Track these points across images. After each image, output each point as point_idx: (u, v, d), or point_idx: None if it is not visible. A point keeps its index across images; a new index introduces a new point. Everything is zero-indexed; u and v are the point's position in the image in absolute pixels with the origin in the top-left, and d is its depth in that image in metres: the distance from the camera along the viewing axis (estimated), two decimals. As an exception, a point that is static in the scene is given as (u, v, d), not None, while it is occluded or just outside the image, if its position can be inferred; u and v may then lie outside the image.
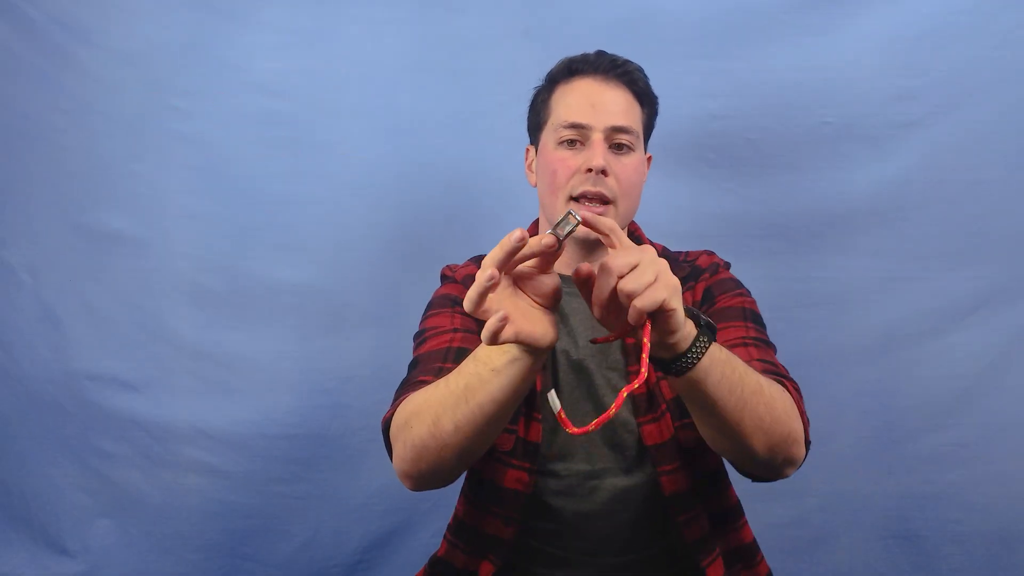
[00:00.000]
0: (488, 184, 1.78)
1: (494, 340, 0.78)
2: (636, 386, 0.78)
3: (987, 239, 1.73)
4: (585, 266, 0.82)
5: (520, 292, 0.83)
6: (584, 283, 0.82)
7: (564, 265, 1.17)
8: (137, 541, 1.78)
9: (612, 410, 0.78)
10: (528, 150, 1.29)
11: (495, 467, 1.13)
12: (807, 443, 1.00)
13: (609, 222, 0.82)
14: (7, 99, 1.80)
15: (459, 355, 1.05)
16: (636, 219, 1.26)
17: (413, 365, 1.12)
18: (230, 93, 1.81)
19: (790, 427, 0.95)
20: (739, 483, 1.18)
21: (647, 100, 1.22)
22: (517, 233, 0.76)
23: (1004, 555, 1.72)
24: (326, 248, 1.81)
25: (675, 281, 0.79)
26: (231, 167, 1.81)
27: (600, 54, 1.20)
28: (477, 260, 1.24)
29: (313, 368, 1.80)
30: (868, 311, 1.76)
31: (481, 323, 0.79)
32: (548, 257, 0.82)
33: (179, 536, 1.78)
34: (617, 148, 1.17)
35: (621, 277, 0.77)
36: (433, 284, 1.27)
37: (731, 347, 1.03)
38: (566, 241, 0.80)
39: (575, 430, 0.78)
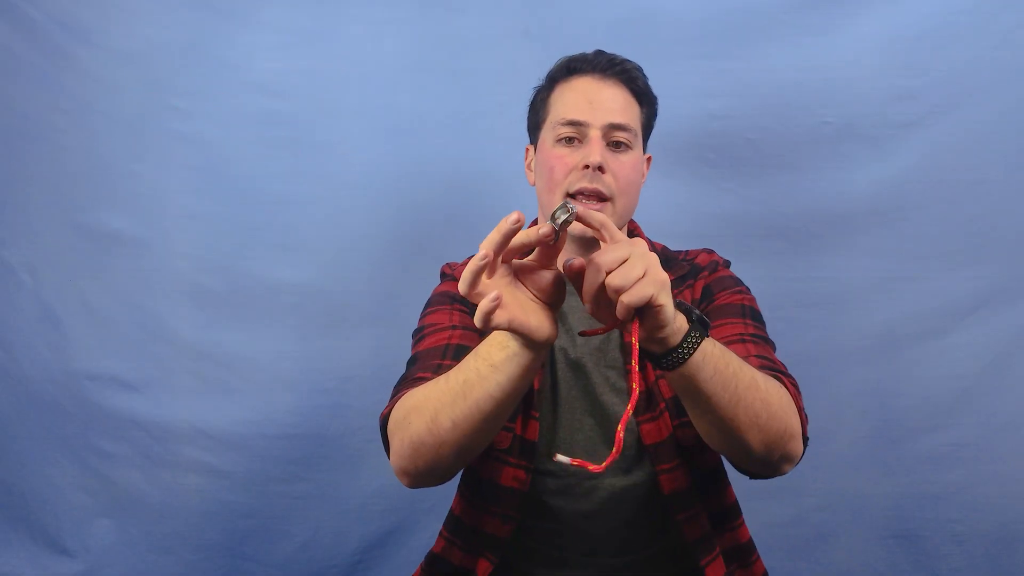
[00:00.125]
0: (488, 184, 1.78)
1: (486, 323, 0.77)
2: (631, 408, 0.78)
3: (987, 239, 1.73)
4: (577, 261, 0.81)
5: (520, 285, 0.82)
6: (576, 278, 0.82)
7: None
8: (137, 541, 1.78)
9: (620, 436, 0.77)
10: (528, 149, 1.29)
11: (492, 465, 1.13)
12: (805, 439, 1.00)
13: (600, 216, 0.81)
14: (7, 99, 1.80)
15: (458, 352, 1.05)
16: (636, 219, 1.27)
17: (411, 362, 1.12)
18: (230, 93, 1.81)
19: (787, 423, 0.95)
20: (738, 482, 1.18)
21: (646, 99, 1.22)
22: (513, 216, 0.75)
23: (1004, 555, 1.71)
24: (326, 248, 1.81)
25: (664, 276, 0.79)
26: (231, 167, 1.81)
27: (599, 53, 1.21)
28: None
29: (313, 368, 1.80)
30: (868, 311, 1.76)
31: None
32: (548, 251, 0.82)
33: (179, 536, 1.78)
34: (615, 146, 1.17)
35: (609, 272, 0.77)
36: (433, 284, 1.27)
37: (729, 343, 1.03)
38: (565, 236, 0.80)
39: (596, 468, 0.77)
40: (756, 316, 1.16)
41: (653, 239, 1.28)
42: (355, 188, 1.81)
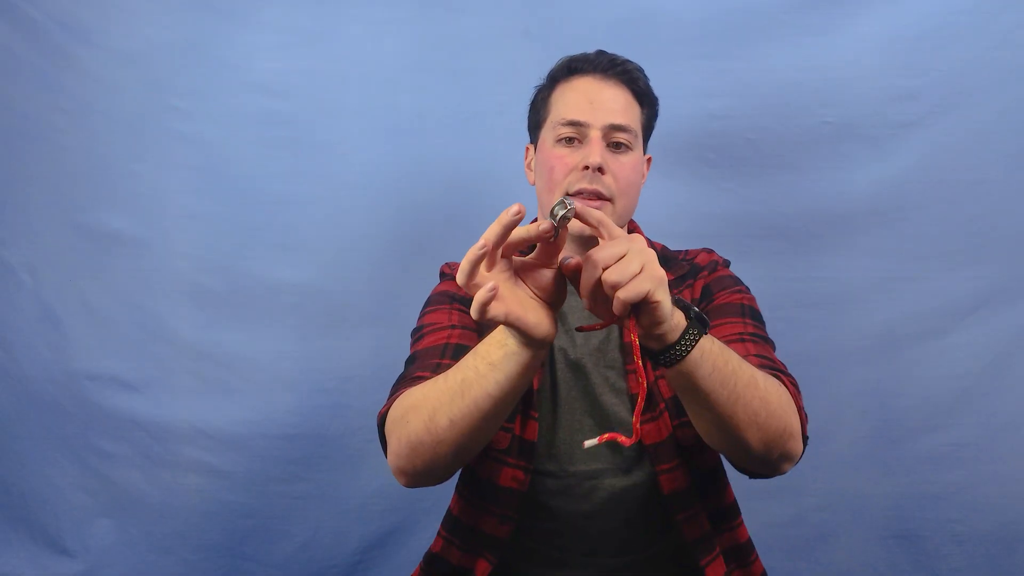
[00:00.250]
0: (488, 184, 1.78)
1: (482, 315, 0.77)
2: (642, 400, 0.80)
3: (987, 239, 1.73)
4: (574, 258, 0.81)
5: (520, 282, 0.83)
6: (573, 275, 0.82)
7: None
8: (137, 541, 1.78)
9: (637, 426, 0.81)
10: (528, 149, 1.29)
11: (491, 465, 1.13)
12: (805, 439, 1.00)
13: (598, 213, 0.81)
14: (7, 99, 1.80)
15: (457, 351, 1.05)
16: (636, 219, 1.27)
17: (410, 361, 1.12)
18: (230, 93, 1.81)
19: (786, 422, 0.95)
20: (737, 482, 1.18)
21: (647, 100, 1.22)
22: (514, 208, 0.75)
23: (1004, 555, 1.71)
24: (326, 248, 1.81)
25: (661, 272, 0.79)
26: (231, 167, 1.81)
27: (600, 53, 1.21)
28: None
29: (313, 368, 1.80)
30: (868, 311, 1.76)
31: (482, 322, 0.79)
32: (548, 248, 0.82)
33: (179, 536, 1.78)
34: (615, 147, 1.17)
35: (606, 268, 0.77)
36: (433, 284, 1.27)
37: (728, 343, 1.03)
38: (565, 233, 0.80)
39: (627, 441, 0.80)
40: (756, 315, 1.16)
41: (653, 239, 1.28)
42: (355, 188, 1.81)
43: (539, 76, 1.26)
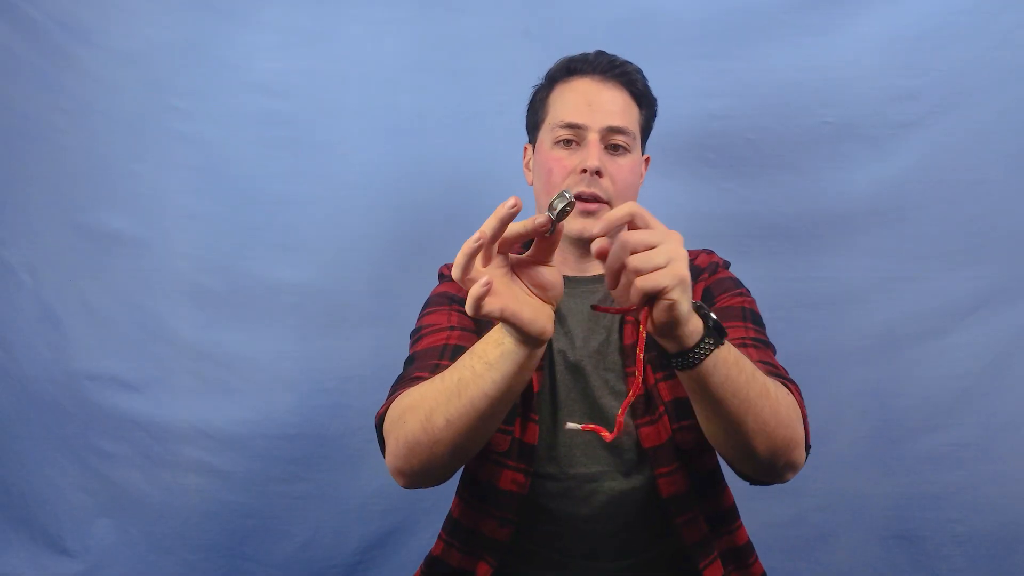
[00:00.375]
0: (488, 184, 1.78)
1: (477, 310, 0.76)
2: (632, 395, 0.80)
3: (987, 239, 1.73)
4: (606, 242, 0.80)
5: (516, 279, 0.82)
6: (603, 258, 0.81)
7: (562, 265, 1.17)
8: (137, 541, 1.79)
9: (620, 419, 0.80)
10: (526, 148, 1.29)
11: (491, 468, 1.13)
12: (807, 448, 1.00)
13: (628, 206, 0.79)
14: (7, 99, 1.80)
15: (455, 352, 1.05)
16: (635, 219, 1.26)
17: (409, 362, 1.12)
18: (230, 93, 1.81)
19: (793, 431, 0.95)
20: (737, 482, 1.17)
21: (645, 101, 1.22)
22: (511, 200, 0.75)
23: (1004, 555, 1.71)
24: (326, 248, 1.81)
25: (686, 275, 0.78)
26: (231, 167, 1.81)
27: (599, 54, 1.20)
28: None
29: (313, 368, 1.80)
30: (868, 311, 1.76)
31: (481, 323, 0.79)
32: (545, 245, 0.81)
33: (179, 536, 1.78)
34: (613, 149, 1.17)
35: (634, 252, 0.77)
36: (433, 284, 1.27)
37: (729, 347, 1.03)
38: (561, 229, 0.79)
39: (608, 436, 0.80)
40: (757, 319, 1.15)
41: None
42: (355, 188, 1.81)
43: (539, 76, 1.26)
